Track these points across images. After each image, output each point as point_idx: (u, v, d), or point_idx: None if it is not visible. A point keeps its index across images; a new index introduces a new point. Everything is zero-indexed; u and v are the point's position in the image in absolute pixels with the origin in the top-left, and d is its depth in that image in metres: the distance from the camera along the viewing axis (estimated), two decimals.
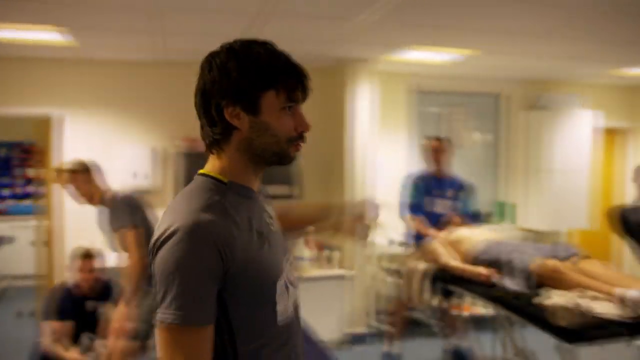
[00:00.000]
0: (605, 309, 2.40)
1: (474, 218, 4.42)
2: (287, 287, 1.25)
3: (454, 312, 4.55)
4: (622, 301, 2.41)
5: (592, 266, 2.81)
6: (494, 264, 3.10)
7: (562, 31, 3.85)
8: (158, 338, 1.10)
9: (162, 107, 4.87)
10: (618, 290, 2.44)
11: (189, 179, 1.16)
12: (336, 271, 4.79)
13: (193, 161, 4.54)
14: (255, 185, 1.28)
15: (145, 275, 3.01)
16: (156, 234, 1.12)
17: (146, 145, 4.78)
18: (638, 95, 6.46)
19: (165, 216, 1.14)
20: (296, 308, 1.33)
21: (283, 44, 1.28)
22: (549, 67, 5.28)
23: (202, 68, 1.21)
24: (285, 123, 1.23)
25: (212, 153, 1.24)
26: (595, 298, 2.48)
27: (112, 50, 4.49)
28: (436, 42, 4.16)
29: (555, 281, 2.71)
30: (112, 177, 4.51)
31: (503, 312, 2.92)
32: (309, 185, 5.01)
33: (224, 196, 1.18)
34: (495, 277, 3.00)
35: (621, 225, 4.62)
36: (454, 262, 3.41)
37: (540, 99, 5.75)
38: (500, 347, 3.50)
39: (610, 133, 6.62)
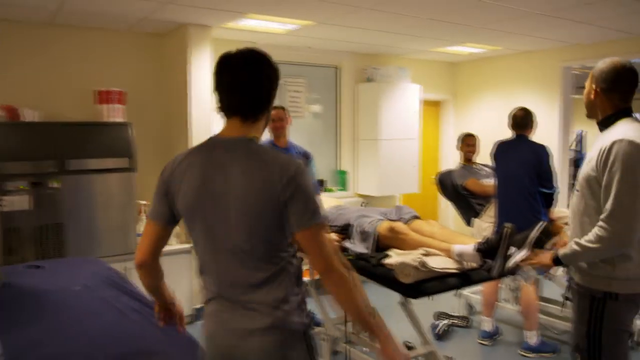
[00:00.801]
0: (443, 264, 2.64)
1: (317, 186, 4.56)
2: None
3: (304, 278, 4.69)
4: (457, 256, 2.67)
5: (430, 226, 3.07)
6: (343, 229, 3.23)
7: (393, 7, 4.06)
8: (316, 235, 1.62)
9: None
10: (453, 247, 2.69)
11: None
12: (179, 245, 4.64)
13: (12, 132, 4.01)
14: None
15: None
16: (290, 169, 1.60)
17: None
18: (455, 70, 7.14)
19: (280, 160, 1.63)
20: None
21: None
22: (380, 42, 5.58)
23: (265, 63, 1.74)
24: None
25: (255, 121, 1.72)
26: (434, 255, 2.71)
27: None
28: (272, 10, 4.14)
29: (400, 242, 2.91)
30: None
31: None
32: (148, 157, 4.76)
33: None
34: (345, 242, 3.13)
35: (439, 188, 5.13)
36: None
37: (372, 71, 6.07)
38: None
39: (434, 105, 7.25)
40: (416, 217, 3.24)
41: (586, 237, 2.14)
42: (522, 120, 4.12)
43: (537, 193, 3.94)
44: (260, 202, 1.60)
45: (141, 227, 4.55)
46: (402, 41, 5.54)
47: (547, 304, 4.48)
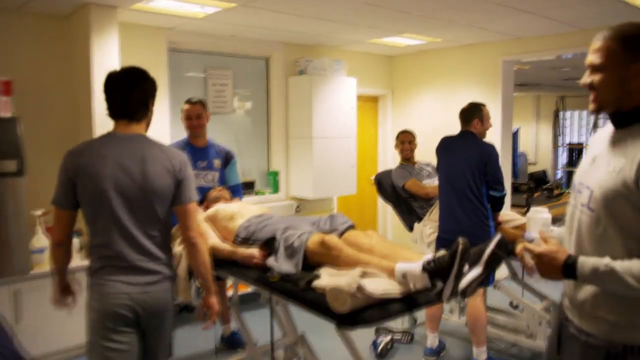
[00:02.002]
0: (384, 287, 2.19)
1: (239, 190, 4.01)
2: None
3: (227, 293, 4.16)
4: (401, 277, 2.23)
5: (369, 239, 2.61)
6: (267, 244, 2.73)
7: None
8: (191, 211, 2.29)
9: None
10: (396, 267, 2.25)
11: None
12: (78, 262, 3.98)
13: None
14: None
15: None
16: (176, 160, 2.24)
17: None
18: (393, 63, 6.78)
19: (168, 153, 2.24)
20: None
21: None
22: (313, 31, 5.11)
23: (142, 78, 2.26)
24: None
25: (138, 122, 2.25)
26: (374, 275, 2.26)
27: None
28: None
29: (333, 259, 2.44)
30: None
31: (279, 298, 2.58)
32: (45, 158, 4.09)
33: None
34: (269, 260, 2.63)
35: (378, 189, 4.73)
36: (222, 243, 2.96)
37: (305, 64, 5.59)
38: (278, 330, 3.21)
39: (372, 100, 6.86)
40: (352, 228, 2.78)
41: (628, 267, 1.48)
42: (465, 114, 3.76)
43: (484, 195, 3.59)
44: (166, 182, 2.18)
45: (37, 242, 3.92)
46: (336, 30, 5.10)
47: (493, 314, 4.17)
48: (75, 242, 4.08)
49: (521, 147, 11.93)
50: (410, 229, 4.38)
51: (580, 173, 1.72)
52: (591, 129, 11.75)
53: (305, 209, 5.77)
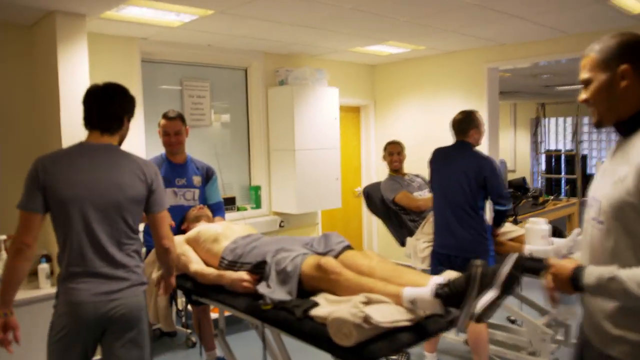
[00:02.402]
0: (392, 315, 1.97)
1: (222, 208, 3.75)
2: None
3: (211, 316, 3.89)
4: (409, 303, 2.01)
5: (369, 260, 2.39)
6: (257, 268, 2.50)
7: None
8: (164, 219, 2.35)
9: None
10: (404, 292, 2.03)
11: None
12: (48, 289, 3.66)
13: None
14: None
15: None
16: (148, 169, 2.28)
17: None
18: (375, 73, 6.62)
19: (139, 162, 2.28)
20: None
21: None
22: (293, 40, 4.91)
23: (120, 93, 2.31)
24: None
25: (111, 134, 2.28)
26: (379, 302, 2.05)
27: None
28: None
29: (332, 284, 2.22)
30: None
31: (272, 329, 2.34)
32: (9, 176, 3.79)
33: None
34: (260, 286, 2.39)
35: (367, 202, 4.53)
36: (206, 268, 2.72)
37: (285, 74, 5.38)
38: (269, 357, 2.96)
39: (354, 110, 6.68)
40: (349, 248, 2.57)
41: (632, 274, 1.39)
42: (460, 125, 3.57)
43: (481, 208, 3.41)
44: (138, 191, 2.22)
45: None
46: (318, 39, 4.90)
47: (493, 331, 3.97)
48: (45, 267, 3.78)
49: (500, 155, 11.92)
50: (402, 243, 4.18)
51: (592, 187, 1.65)
52: (572, 135, 11.80)
53: (289, 224, 5.54)
